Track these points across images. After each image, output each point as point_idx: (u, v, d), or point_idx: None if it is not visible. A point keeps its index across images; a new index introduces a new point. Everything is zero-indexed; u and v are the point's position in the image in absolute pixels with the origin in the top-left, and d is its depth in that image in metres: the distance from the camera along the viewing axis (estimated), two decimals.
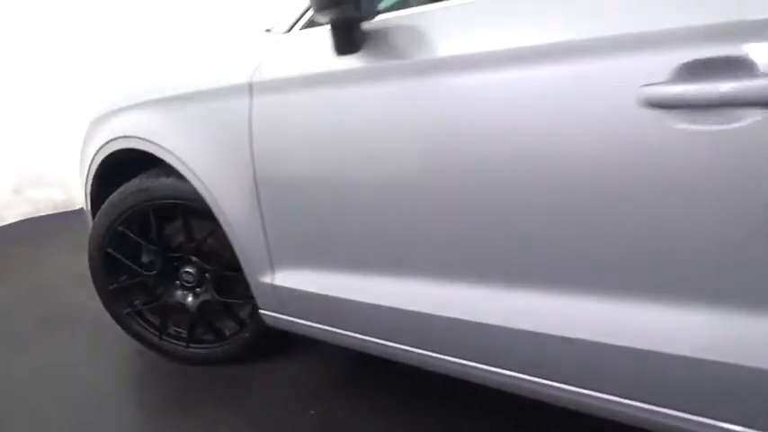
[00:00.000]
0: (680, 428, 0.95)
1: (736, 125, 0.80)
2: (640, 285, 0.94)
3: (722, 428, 0.91)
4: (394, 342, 1.35)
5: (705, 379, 0.91)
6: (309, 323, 1.49)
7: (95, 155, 1.79)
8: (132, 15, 3.63)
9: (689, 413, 0.94)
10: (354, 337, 1.43)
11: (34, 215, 3.62)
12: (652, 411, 0.98)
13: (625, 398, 1.01)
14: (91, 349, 1.97)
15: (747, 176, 0.80)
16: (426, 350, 1.29)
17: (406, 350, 1.33)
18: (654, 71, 0.85)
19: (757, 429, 0.87)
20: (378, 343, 1.38)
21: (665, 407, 0.97)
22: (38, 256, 2.93)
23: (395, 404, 1.58)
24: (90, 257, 1.78)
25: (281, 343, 1.82)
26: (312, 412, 1.59)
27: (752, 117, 0.79)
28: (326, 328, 1.47)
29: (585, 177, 0.94)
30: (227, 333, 1.80)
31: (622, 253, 0.94)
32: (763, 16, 0.78)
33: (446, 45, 1.07)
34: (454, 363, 1.25)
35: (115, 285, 1.80)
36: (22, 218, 3.58)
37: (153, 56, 3.50)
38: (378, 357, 1.41)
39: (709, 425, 0.92)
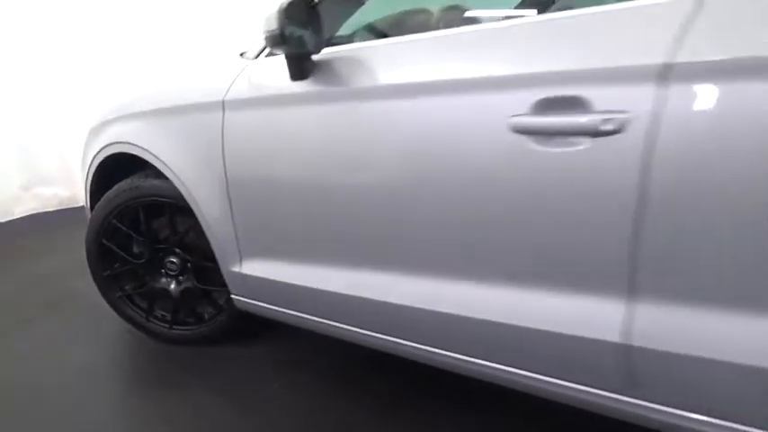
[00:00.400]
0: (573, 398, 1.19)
1: (572, 149, 1.04)
2: (545, 276, 1.16)
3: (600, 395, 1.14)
4: (342, 323, 1.59)
5: (564, 349, 1.15)
6: (273, 307, 1.74)
7: (94, 157, 2.05)
8: (136, 20, 3.89)
9: (580, 384, 1.18)
10: (310, 320, 1.67)
11: (41, 210, 3.88)
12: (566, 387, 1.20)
13: (542, 374, 1.23)
14: (87, 329, 2.22)
15: (582, 185, 1.05)
16: (369, 330, 1.53)
17: (352, 330, 1.57)
18: (518, 105, 1.09)
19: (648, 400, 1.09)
20: (330, 324, 1.62)
21: (572, 382, 1.19)
22: (43, 247, 3.19)
23: (345, 380, 1.82)
24: (87, 247, 2.04)
25: (252, 326, 2.06)
26: (276, 386, 1.83)
27: (583, 144, 1.03)
28: (287, 311, 1.71)
29: (475, 185, 1.18)
30: (206, 317, 2.04)
31: (515, 246, 1.18)
32: (598, 65, 1.02)
33: (374, 76, 1.32)
34: (391, 341, 1.48)
35: (109, 272, 2.05)
36: (29, 213, 3.84)
37: (155, 60, 3.78)
38: (333, 338, 1.64)
39: (592, 393, 1.15)
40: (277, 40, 1.30)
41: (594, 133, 1.02)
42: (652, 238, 1.01)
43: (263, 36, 1.33)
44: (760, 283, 0.94)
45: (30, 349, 2.11)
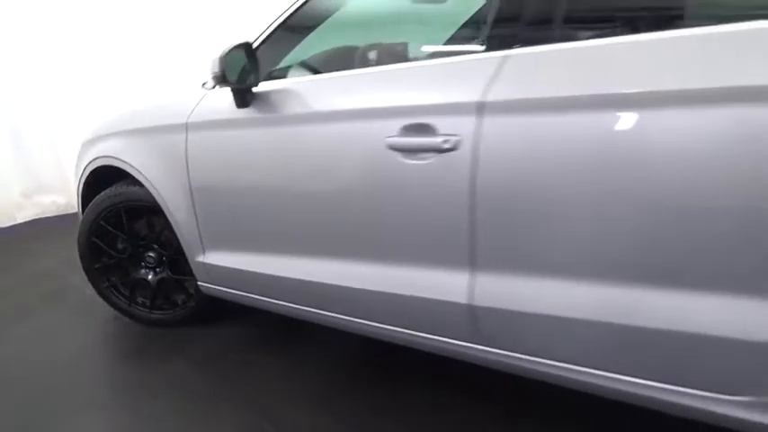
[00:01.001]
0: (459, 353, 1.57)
1: (425, 162, 1.44)
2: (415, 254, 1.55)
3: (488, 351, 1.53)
4: (284, 301, 1.97)
5: (428, 310, 1.54)
6: (230, 290, 2.12)
7: (85, 168, 2.44)
8: (134, 36, 4.29)
9: (440, 336, 1.57)
10: (260, 300, 2.05)
11: (41, 216, 4.28)
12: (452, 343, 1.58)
13: (414, 330, 1.62)
14: (79, 315, 2.60)
15: (433, 187, 1.44)
16: (302, 305, 1.91)
17: (292, 306, 1.95)
18: (391, 130, 1.49)
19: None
20: (275, 303, 2.01)
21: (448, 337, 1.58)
22: (42, 249, 3.58)
23: (300, 352, 2.20)
24: (79, 245, 2.42)
25: (217, 311, 2.44)
26: (234, 355, 2.21)
27: (432, 158, 1.43)
28: (241, 293, 2.09)
29: (359, 191, 1.58)
30: (180, 302, 2.43)
31: (394, 233, 1.56)
32: (441, 101, 1.42)
33: (296, 106, 1.72)
34: (321, 314, 1.87)
35: (97, 265, 2.43)
36: (30, 218, 4.24)
37: (147, 74, 4.19)
38: (284, 316, 2.03)
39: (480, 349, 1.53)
40: (220, 80, 1.70)
41: (439, 150, 1.42)
42: (482, 226, 1.40)
43: (210, 75, 1.73)
44: (558, 256, 1.33)
45: (29, 330, 2.49)
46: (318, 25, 1.89)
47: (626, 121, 1.19)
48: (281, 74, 1.93)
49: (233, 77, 1.71)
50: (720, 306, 1.14)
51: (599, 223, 1.26)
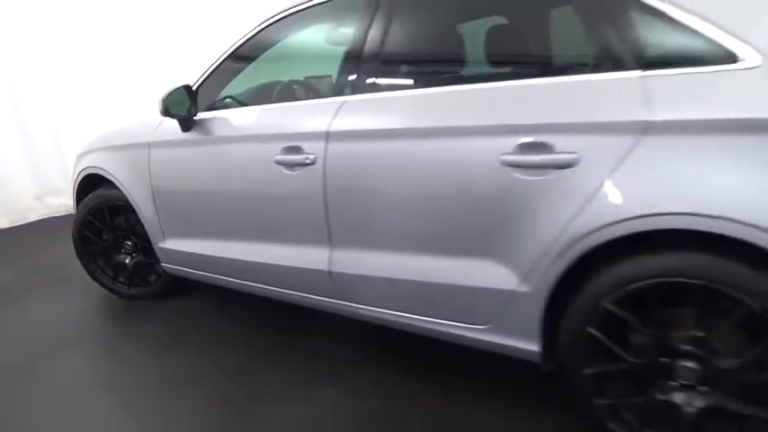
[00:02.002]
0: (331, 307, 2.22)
1: (297, 172, 2.08)
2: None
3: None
4: (221, 275, 2.62)
5: (303, 274, 2.18)
6: (183, 268, 2.77)
7: (77, 175, 3.12)
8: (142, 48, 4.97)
9: (313, 294, 2.20)
10: (204, 275, 2.70)
11: (50, 216, 5.00)
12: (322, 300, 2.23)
13: (298, 291, 2.26)
14: (79, 292, 3.27)
15: (305, 191, 2.09)
16: (241, 279, 2.55)
17: (226, 279, 2.60)
18: (277, 149, 2.13)
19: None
20: (215, 277, 2.65)
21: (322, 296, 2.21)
22: (50, 243, 4.28)
23: (237, 316, 2.86)
24: (73, 235, 3.10)
25: (182, 287, 3.10)
26: (192, 317, 2.87)
27: (299, 170, 2.07)
28: (191, 270, 2.74)
29: (258, 193, 2.22)
30: (151, 280, 3.09)
31: (288, 223, 2.20)
32: (303, 130, 2.06)
33: (220, 131, 2.37)
34: (244, 284, 2.51)
35: (87, 251, 3.11)
36: (41, 218, 4.96)
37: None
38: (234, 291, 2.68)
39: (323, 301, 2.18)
40: (165, 113, 2.36)
41: (304, 164, 2.06)
42: (333, 217, 2.05)
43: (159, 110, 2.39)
44: (381, 236, 1.95)
45: (39, 301, 3.18)
46: (243, 70, 2.54)
47: (413, 145, 1.82)
48: (218, 105, 2.58)
49: (175, 111, 2.37)
50: (469, 266, 1.77)
51: (402, 214, 1.90)
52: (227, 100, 2.59)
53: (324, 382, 2.17)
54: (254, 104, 2.48)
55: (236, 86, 2.61)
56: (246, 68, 2.56)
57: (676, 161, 1.39)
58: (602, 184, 1.48)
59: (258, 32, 2.40)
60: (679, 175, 1.38)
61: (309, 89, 2.78)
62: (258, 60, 2.51)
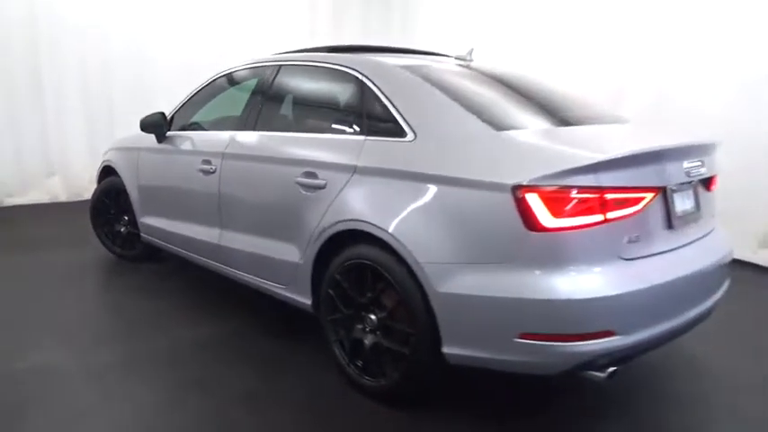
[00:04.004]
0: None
1: (209, 176, 3.20)
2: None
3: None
4: (173, 245, 3.76)
5: (207, 246, 3.27)
6: (154, 239, 3.94)
7: (101, 165, 4.39)
8: None
9: (211, 260, 3.28)
10: (167, 246, 3.85)
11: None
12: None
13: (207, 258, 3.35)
14: (93, 251, 4.51)
15: (206, 188, 3.20)
16: (179, 247, 3.69)
17: (176, 249, 3.74)
18: (198, 162, 3.25)
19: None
20: (174, 248, 3.80)
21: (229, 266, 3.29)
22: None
23: (193, 276, 3.98)
24: (90, 209, 4.37)
25: (159, 256, 4.26)
26: (162, 272, 4.02)
27: (209, 176, 3.18)
28: (159, 241, 3.91)
29: (192, 189, 3.35)
30: (136, 246, 4.29)
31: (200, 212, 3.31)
32: (214, 150, 3.17)
33: (183, 146, 3.53)
34: (185, 253, 3.63)
35: (98, 221, 4.36)
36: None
37: None
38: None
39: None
40: (141, 129, 3.56)
41: (209, 172, 3.17)
42: (222, 206, 3.14)
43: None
44: (238, 222, 3.02)
45: (62, 251, 4.46)
46: (206, 103, 3.68)
47: (257, 166, 2.88)
48: (187, 127, 3.73)
49: (152, 131, 3.56)
50: (279, 246, 2.79)
51: (250, 209, 2.95)
52: (193, 124, 3.75)
53: (211, 321, 3.23)
54: (199, 130, 3.62)
55: (198, 116, 3.76)
56: (206, 104, 3.71)
57: (365, 190, 2.37)
58: (334, 200, 2.48)
59: (212, 81, 3.56)
60: (362, 197, 2.36)
61: (227, 123, 3.82)
62: (213, 99, 3.65)
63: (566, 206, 1.91)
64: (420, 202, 2.19)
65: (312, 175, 2.59)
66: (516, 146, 2.12)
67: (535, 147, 2.10)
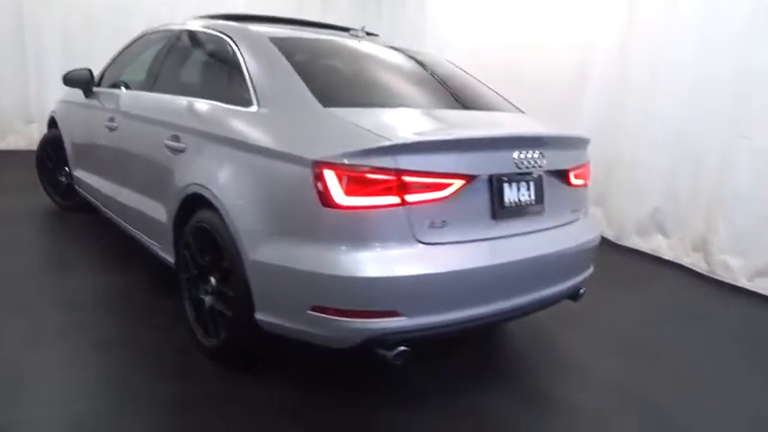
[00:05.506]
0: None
1: (112, 133, 3.31)
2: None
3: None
4: (98, 201, 3.91)
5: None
6: (84, 192, 4.09)
7: (48, 119, 4.55)
8: None
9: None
10: (90, 199, 4.00)
11: None
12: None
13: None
14: (38, 198, 4.71)
15: (115, 145, 3.30)
16: (105, 207, 3.82)
17: (102, 208, 3.87)
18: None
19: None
20: (99, 206, 3.94)
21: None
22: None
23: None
24: (35, 158, 4.55)
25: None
26: (92, 221, 4.19)
27: (113, 132, 3.29)
28: (88, 196, 4.05)
29: (109, 147, 3.46)
30: (76, 198, 4.45)
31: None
32: (114, 107, 3.27)
33: (107, 103, 3.63)
34: (110, 215, 3.76)
35: (41, 169, 4.54)
36: None
37: None
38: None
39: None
40: (64, 83, 3.67)
41: (112, 129, 3.27)
42: (119, 163, 3.24)
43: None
44: (132, 181, 3.12)
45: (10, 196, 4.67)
46: (130, 62, 3.77)
47: (138, 125, 2.97)
48: (114, 85, 3.82)
49: (75, 86, 3.68)
50: (154, 205, 2.87)
51: (134, 166, 3.04)
52: (118, 82, 3.84)
53: (115, 271, 3.39)
54: (122, 88, 3.71)
55: (123, 74, 3.82)
56: (130, 63, 3.78)
57: (211, 156, 2.43)
58: (189, 164, 2.55)
59: (135, 41, 3.66)
60: (207, 164, 2.43)
61: (136, 83, 3.76)
62: (135, 59, 3.72)
63: (359, 185, 1.93)
64: (245, 173, 2.24)
65: (177, 138, 2.66)
66: (332, 123, 2.15)
67: (347, 125, 2.11)
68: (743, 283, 3.99)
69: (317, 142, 2.06)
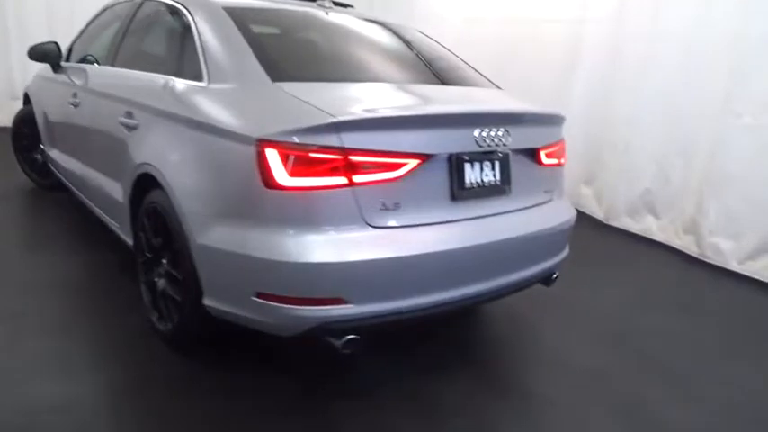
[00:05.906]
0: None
1: (77, 108, 3.19)
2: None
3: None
4: (67, 180, 3.81)
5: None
6: (54, 169, 4.00)
7: (23, 94, 4.45)
8: None
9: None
10: (60, 176, 3.91)
11: None
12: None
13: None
14: (15, 177, 4.63)
15: (81, 121, 3.19)
16: (72, 185, 3.72)
17: (70, 187, 3.78)
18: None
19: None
20: (68, 184, 3.84)
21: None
22: None
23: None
24: (11, 135, 4.45)
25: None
26: (66, 200, 4.11)
27: (81, 107, 3.18)
28: (57, 172, 3.96)
29: (85, 124, 3.35)
30: (52, 177, 4.37)
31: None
32: (80, 83, 3.15)
33: (74, 77, 3.51)
34: (77, 193, 3.67)
35: (16, 147, 4.44)
36: None
37: None
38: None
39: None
40: (30, 57, 3.55)
41: (76, 105, 3.16)
42: (82, 140, 3.13)
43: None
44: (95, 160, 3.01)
45: None
46: (96, 35, 3.64)
47: (97, 101, 2.85)
48: (81, 59, 3.70)
49: (41, 60, 3.55)
50: (111, 184, 2.77)
51: (94, 143, 2.93)
52: (88, 57, 3.71)
53: (84, 251, 3.32)
54: (89, 62, 3.59)
55: (89, 48, 3.69)
56: (96, 37, 3.64)
57: (161, 134, 2.32)
58: (141, 142, 2.44)
59: (99, 14, 3.52)
60: (157, 142, 2.31)
61: (100, 58, 3.69)
62: (100, 32, 3.58)
63: (303, 165, 1.82)
64: (191, 151, 2.14)
65: (130, 114, 2.54)
66: (279, 98, 2.02)
67: (292, 101, 1.98)
68: (734, 266, 3.87)
69: (262, 119, 1.94)
